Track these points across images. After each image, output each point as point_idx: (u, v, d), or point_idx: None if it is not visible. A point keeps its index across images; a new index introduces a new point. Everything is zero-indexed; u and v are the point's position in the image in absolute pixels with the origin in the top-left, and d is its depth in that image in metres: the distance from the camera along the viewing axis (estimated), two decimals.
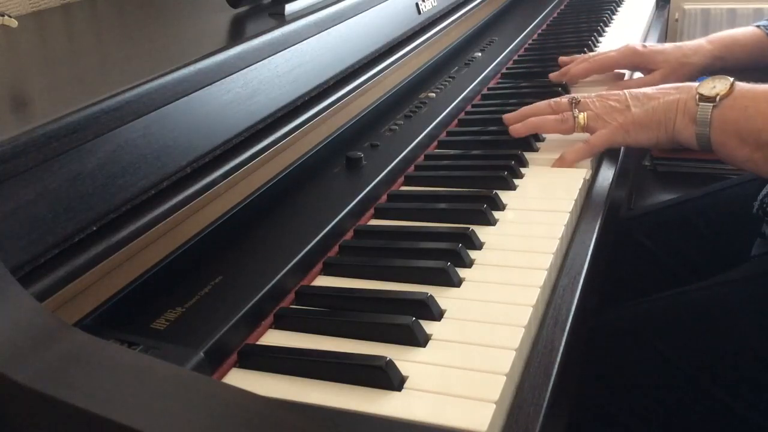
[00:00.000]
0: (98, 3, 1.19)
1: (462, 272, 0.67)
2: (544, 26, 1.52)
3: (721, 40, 1.11)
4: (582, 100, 0.91)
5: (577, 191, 0.81)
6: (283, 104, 0.78)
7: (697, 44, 1.11)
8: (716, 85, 0.83)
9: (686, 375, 0.85)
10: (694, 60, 1.09)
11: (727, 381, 0.84)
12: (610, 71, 1.16)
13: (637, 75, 1.17)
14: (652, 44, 1.14)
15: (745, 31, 1.11)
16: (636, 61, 1.12)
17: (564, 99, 0.93)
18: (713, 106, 0.82)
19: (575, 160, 0.88)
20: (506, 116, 0.96)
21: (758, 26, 1.11)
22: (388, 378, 0.52)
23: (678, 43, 1.13)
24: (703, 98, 0.83)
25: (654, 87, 0.91)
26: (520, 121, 0.94)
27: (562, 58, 1.20)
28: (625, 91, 0.91)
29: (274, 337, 0.60)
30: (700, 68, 1.10)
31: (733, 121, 0.81)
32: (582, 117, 0.89)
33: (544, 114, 0.93)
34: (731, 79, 0.83)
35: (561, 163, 0.88)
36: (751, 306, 0.87)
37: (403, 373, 0.54)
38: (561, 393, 0.56)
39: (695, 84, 0.86)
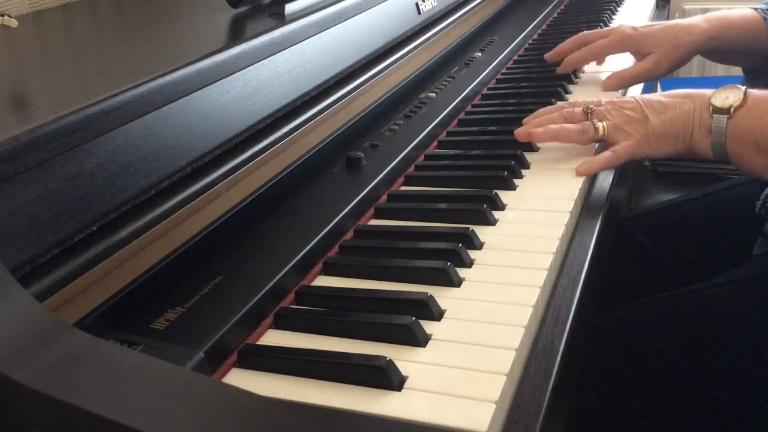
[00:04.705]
0: (98, 3, 1.19)
1: (462, 272, 0.67)
2: (544, 26, 1.52)
3: (717, 20, 1.10)
4: (596, 109, 0.89)
5: (577, 191, 0.81)
6: (283, 104, 0.78)
7: (692, 23, 1.10)
8: (729, 96, 0.82)
9: (686, 375, 0.85)
10: (687, 40, 1.08)
11: (727, 381, 0.84)
12: (604, 58, 1.19)
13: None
14: (643, 26, 1.13)
15: (744, 13, 1.10)
16: (627, 45, 1.13)
17: (577, 109, 0.90)
18: (728, 118, 0.81)
19: (601, 168, 0.87)
20: (526, 121, 0.94)
21: (756, 9, 1.10)
22: (388, 378, 0.52)
23: (670, 22, 1.12)
24: (717, 110, 0.82)
25: (666, 93, 0.89)
26: (539, 125, 0.91)
27: (560, 46, 1.20)
28: (637, 98, 0.89)
29: (274, 337, 0.60)
30: (693, 48, 1.09)
31: (749, 130, 0.80)
32: (602, 127, 0.87)
33: (556, 121, 0.91)
34: (743, 88, 0.82)
35: (588, 169, 0.86)
36: (751, 306, 0.87)
37: (403, 373, 0.54)
38: (561, 393, 0.56)
39: (708, 92, 0.85)
